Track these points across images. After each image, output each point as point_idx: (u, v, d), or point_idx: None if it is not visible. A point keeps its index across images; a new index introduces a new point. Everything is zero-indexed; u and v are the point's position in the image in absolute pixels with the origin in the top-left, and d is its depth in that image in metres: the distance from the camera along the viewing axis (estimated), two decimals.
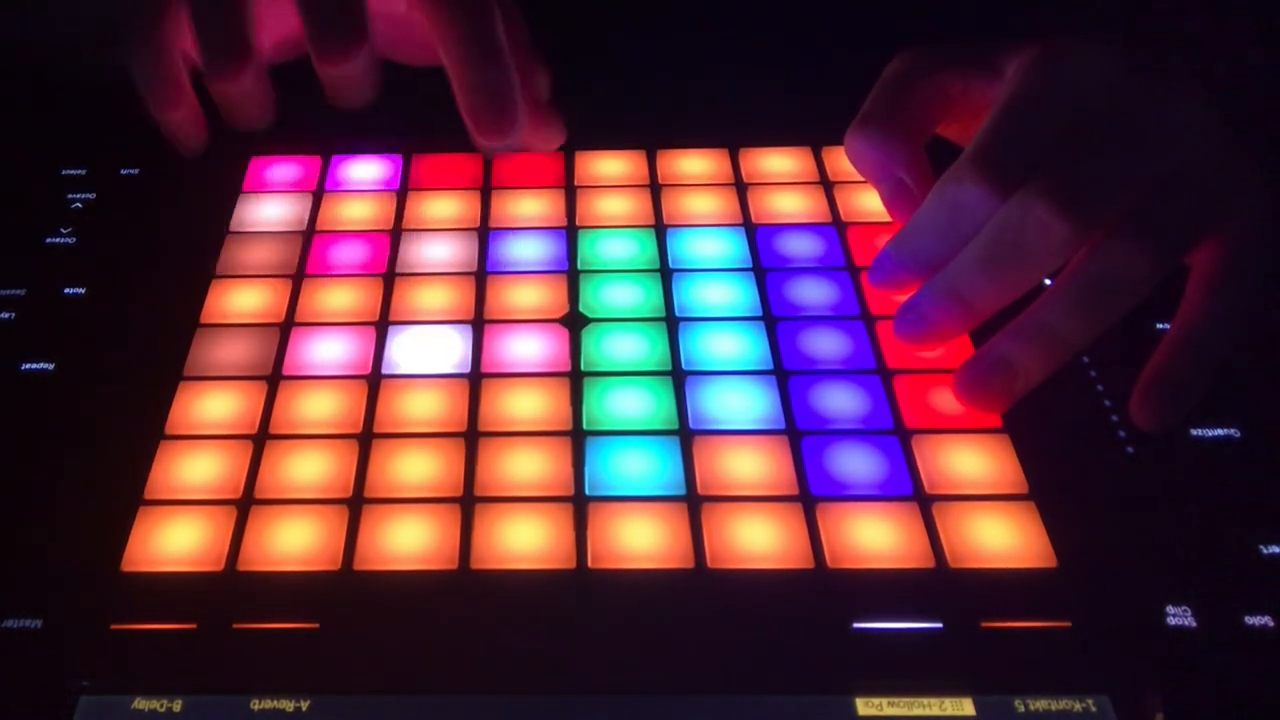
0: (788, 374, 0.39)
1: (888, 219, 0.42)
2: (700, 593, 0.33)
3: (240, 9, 0.41)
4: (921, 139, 0.39)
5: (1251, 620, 0.33)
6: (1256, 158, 0.36)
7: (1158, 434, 0.36)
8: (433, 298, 0.42)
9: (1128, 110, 0.35)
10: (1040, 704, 0.31)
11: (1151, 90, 0.35)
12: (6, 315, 0.42)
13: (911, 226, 0.38)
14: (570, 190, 0.47)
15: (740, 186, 0.47)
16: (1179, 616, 0.33)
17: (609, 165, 0.48)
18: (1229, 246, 0.35)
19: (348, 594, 0.33)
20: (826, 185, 0.47)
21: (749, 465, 0.36)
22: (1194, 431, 0.38)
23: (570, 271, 0.43)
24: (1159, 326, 0.41)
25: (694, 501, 0.35)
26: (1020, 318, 0.36)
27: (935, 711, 0.31)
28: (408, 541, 0.34)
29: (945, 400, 0.38)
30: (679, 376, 0.39)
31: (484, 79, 0.41)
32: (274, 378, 0.39)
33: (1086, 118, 0.35)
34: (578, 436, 0.37)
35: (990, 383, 0.36)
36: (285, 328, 0.41)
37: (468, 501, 0.35)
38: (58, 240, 0.45)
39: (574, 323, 0.41)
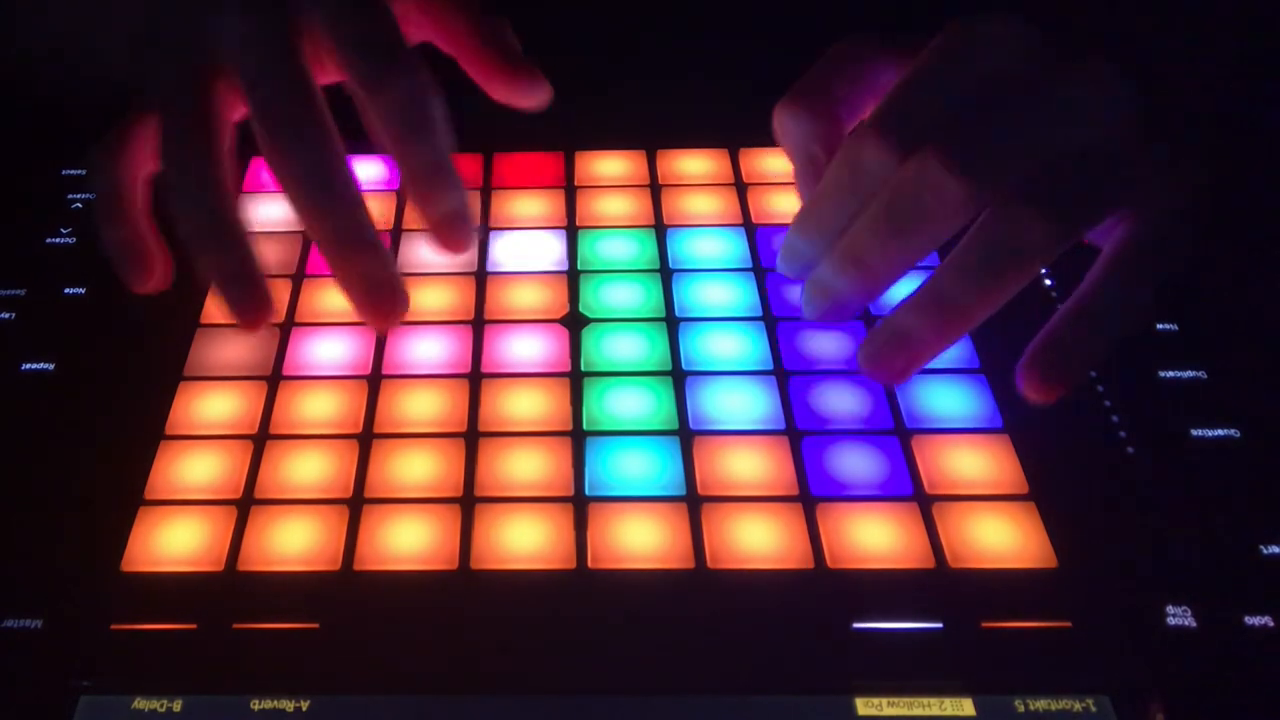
0: (788, 374, 0.39)
1: None
2: (700, 593, 0.33)
3: (214, 171, 0.36)
4: (844, 122, 0.39)
5: (1251, 620, 0.33)
6: (1182, 143, 0.35)
7: (1040, 405, 0.35)
8: (433, 298, 0.42)
9: (1037, 80, 0.34)
10: (1040, 704, 0.31)
11: (1066, 62, 0.35)
12: (6, 315, 0.42)
13: (814, 197, 0.37)
14: (570, 190, 0.47)
15: (740, 186, 0.47)
16: (1179, 616, 0.33)
17: (609, 165, 0.48)
18: (1137, 227, 0.35)
19: (348, 594, 0.33)
20: None
21: (749, 465, 0.36)
22: (1194, 431, 0.38)
23: (570, 271, 0.43)
24: (1160, 327, 0.41)
25: (694, 501, 0.35)
26: (918, 287, 0.35)
27: (935, 711, 0.31)
28: (408, 541, 0.34)
29: (946, 401, 0.38)
30: (679, 376, 0.39)
31: (437, 206, 0.37)
32: (274, 378, 0.39)
33: (993, 85, 0.35)
34: (578, 436, 0.37)
35: (888, 353, 0.35)
36: (285, 328, 0.41)
37: (468, 501, 0.35)
38: (58, 240, 0.45)
39: (574, 323, 0.41)
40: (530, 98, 0.40)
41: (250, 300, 0.35)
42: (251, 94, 0.36)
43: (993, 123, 0.34)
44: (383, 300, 0.35)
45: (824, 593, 0.33)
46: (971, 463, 0.36)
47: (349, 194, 0.36)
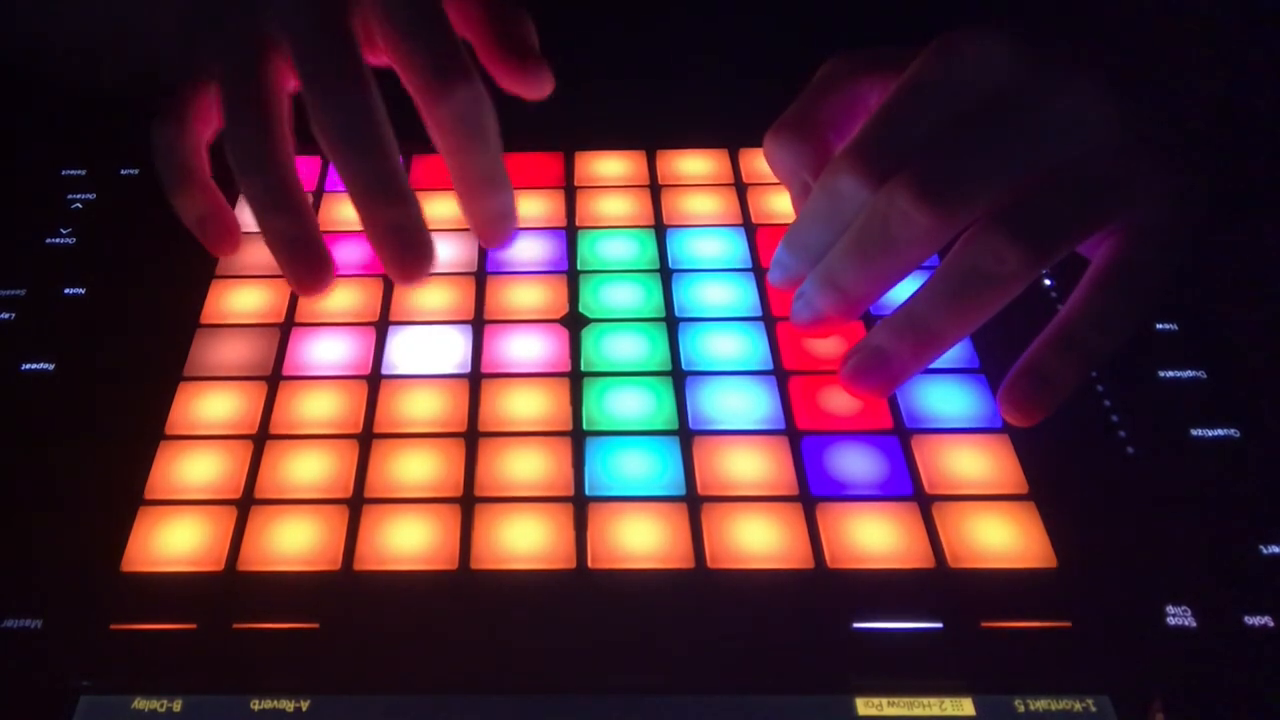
0: (788, 374, 0.39)
1: None
2: (700, 593, 0.33)
3: (274, 128, 0.37)
4: (833, 145, 0.39)
5: (1251, 620, 0.33)
6: (1173, 156, 0.35)
7: (1020, 427, 0.36)
8: (433, 298, 0.42)
9: (1015, 99, 0.34)
10: (1040, 704, 0.31)
11: (1047, 78, 0.34)
12: (6, 315, 0.42)
13: (799, 218, 0.38)
14: (570, 190, 0.47)
15: (740, 186, 0.47)
16: (1179, 616, 0.33)
17: (609, 165, 0.48)
18: (1123, 243, 0.35)
19: (348, 594, 0.33)
20: None
21: (749, 465, 0.36)
22: (1194, 431, 0.38)
23: (570, 271, 0.43)
24: (1160, 328, 0.41)
25: (694, 501, 0.35)
26: (896, 309, 0.36)
27: (935, 711, 0.31)
28: (408, 541, 0.35)
29: (946, 401, 0.38)
30: (679, 376, 0.39)
31: (488, 206, 0.39)
32: (274, 378, 0.39)
33: (970, 106, 0.35)
34: (578, 436, 0.37)
35: (866, 372, 0.36)
36: (285, 328, 0.41)
37: (468, 501, 0.35)
38: (58, 240, 0.45)
39: (574, 323, 0.41)
40: (533, 91, 0.41)
41: (311, 263, 0.37)
42: (301, 63, 0.37)
43: (967, 148, 0.34)
44: (410, 251, 0.37)
45: (824, 593, 0.33)
46: (971, 463, 0.36)
47: (386, 148, 0.37)
